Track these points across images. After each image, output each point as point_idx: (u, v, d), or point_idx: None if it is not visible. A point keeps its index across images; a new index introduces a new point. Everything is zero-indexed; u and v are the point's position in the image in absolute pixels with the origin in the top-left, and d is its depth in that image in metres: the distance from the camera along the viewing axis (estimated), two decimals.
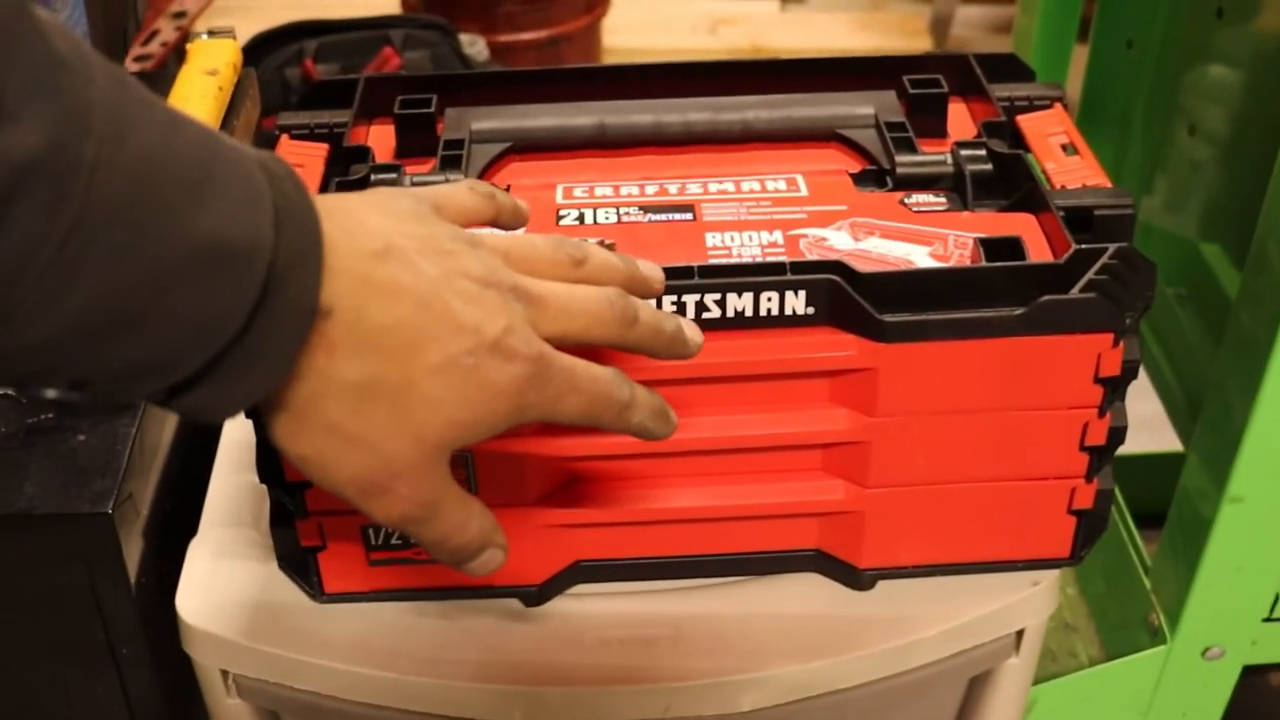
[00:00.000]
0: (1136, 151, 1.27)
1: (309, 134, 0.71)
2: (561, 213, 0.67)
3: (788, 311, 0.60)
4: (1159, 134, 1.23)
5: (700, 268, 0.60)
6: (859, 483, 0.65)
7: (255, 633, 0.66)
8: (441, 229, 0.50)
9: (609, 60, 2.11)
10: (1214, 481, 0.94)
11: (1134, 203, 0.64)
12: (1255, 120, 1.09)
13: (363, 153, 0.70)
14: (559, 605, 0.68)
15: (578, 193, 0.69)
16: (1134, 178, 1.27)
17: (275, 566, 0.68)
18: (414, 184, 0.68)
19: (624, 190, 0.70)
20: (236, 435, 0.76)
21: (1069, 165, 0.68)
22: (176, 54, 1.08)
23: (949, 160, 0.70)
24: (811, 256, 0.64)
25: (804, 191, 0.69)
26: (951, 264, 0.63)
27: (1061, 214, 0.63)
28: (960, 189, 0.69)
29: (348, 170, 0.69)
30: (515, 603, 0.67)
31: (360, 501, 0.49)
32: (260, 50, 1.60)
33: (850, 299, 0.59)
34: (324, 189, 0.68)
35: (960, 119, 0.75)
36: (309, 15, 1.65)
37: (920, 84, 0.73)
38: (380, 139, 0.73)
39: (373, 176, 0.68)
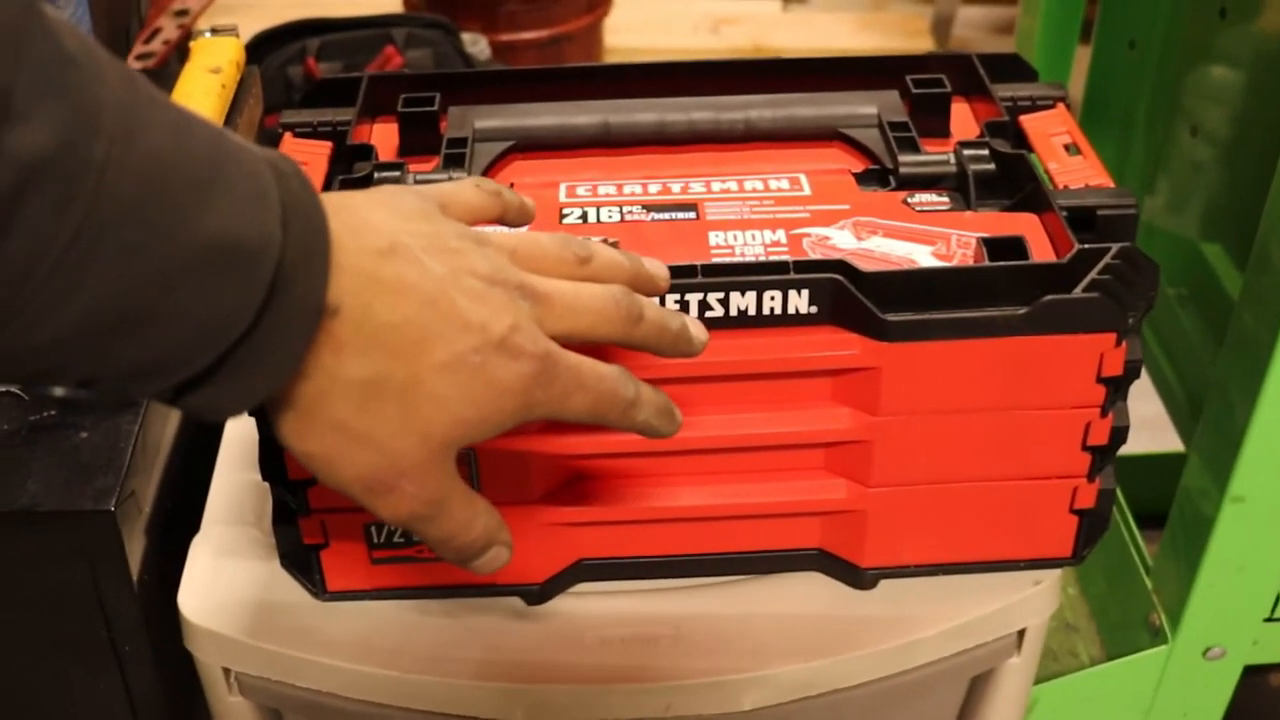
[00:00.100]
0: (1138, 152, 1.27)
1: (312, 132, 0.71)
2: (565, 211, 0.67)
3: (790, 310, 0.60)
4: (1161, 134, 1.23)
5: (703, 266, 0.60)
6: (861, 482, 0.65)
7: (257, 630, 0.66)
8: (447, 227, 0.50)
9: (611, 60, 2.11)
10: (1215, 481, 0.94)
11: (1137, 203, 0.64)
12: (1257, 121, 1.09)
13: (366, 151, 0.70)
14: (561, 604, 0.68)
15: (581, 191, 0.70)
16: (1136, 178, 1.27)
17: (277, 564, 0.68)
18: (417, 182, 0.68)
19: (627, 189, 0.70)
20: (239, 433, 0.76)
21: (1072, 165, 0.68)
22: (178, 52, 1.08)
23: (952, 160, 0.70)
24: (814, 256, 0.64)
25: (807, 191, 0.69)
26: (954, 263, 0.63)
27: (1064, 214, 0.63)
28: (963, 189, 0.69)
29: (351, 168, 0.69)
30: (517, 601, 0.67)
31: (366, 499, 0.49)
32: (262, 48, 1.60)
33: (853, 298, 0.59)
34: (327, 187, 0.68)
35: (963, 119, 0.75)
36: (311, 13, 1.65)
37: (923, 84, 0.73)
38: (383, 137, 0.73)
39: (376, 174, 0.68)
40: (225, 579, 0.68)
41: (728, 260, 0.63)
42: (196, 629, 0.66)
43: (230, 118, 0.88)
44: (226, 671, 0.67)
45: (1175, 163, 1.22)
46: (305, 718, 0.69)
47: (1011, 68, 0.76)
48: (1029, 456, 0.64)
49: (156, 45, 1.07)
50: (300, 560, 0.67)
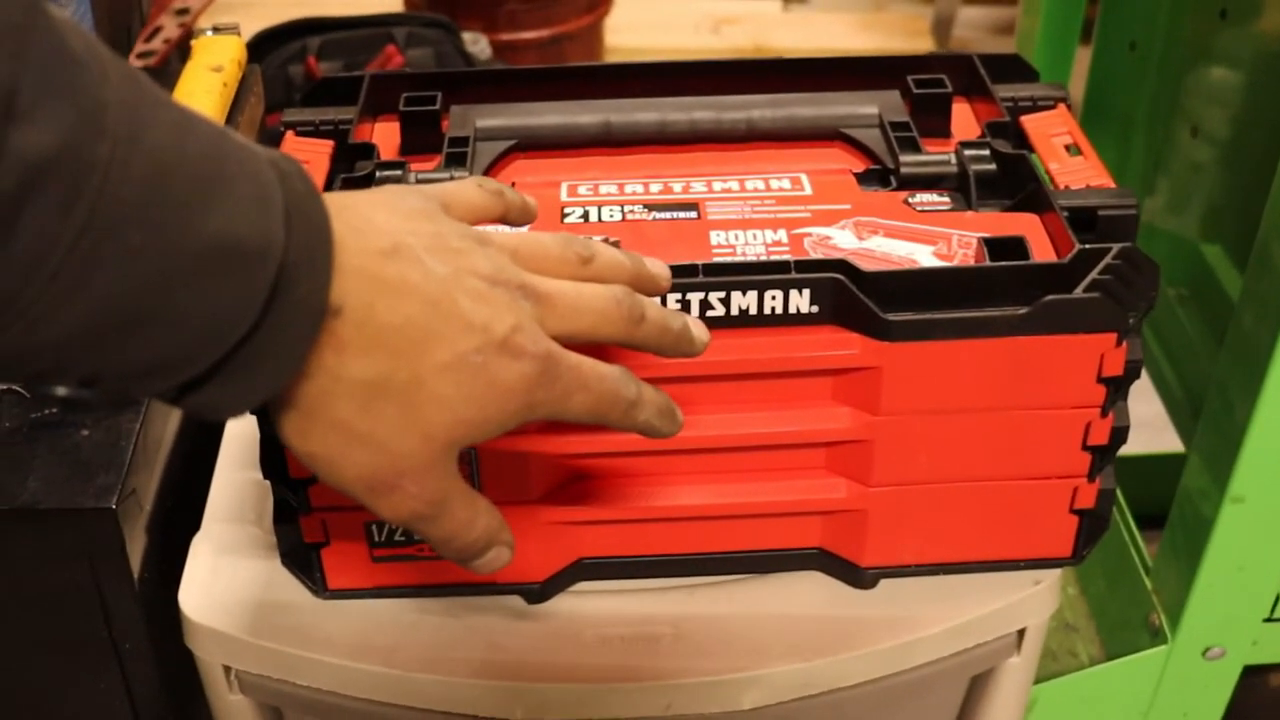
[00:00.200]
0: (1139, 153, 1.27)
1: (314, 130, 0.71)
2: (566, 210, 0.68)
3: (792, 310, 0.60)
4: (1161, 135, 1.24)
5: (705, 266, 0.60)
6: (862, 481, 0.65)
7: (258, 629, 0.66)
8: (450, 227, 0.50)
9: (611, 59, 2.11)
10: (1215, 481, 0.94)
11: (1137, 203, 0.64)
12: (1258, 121, 1.09)
13: (368, 149, 0.70)
14: (561, 603, 0.68)
15: (582, 190, 0.70)
16: (1136, 179, 1.27)
17: (278, 562, 0.68)
18: (419, 181, 0.68)
19: (629, 188, 0.70)
20: (240, 431, 0.76)
21: (1072, 165, 0.69)
22: (179, 51, 1.08)
23: (953, 160, 0.70)
24: (815, 255, 0.64)
25: (808, 190, 0.69)
26: (955, 263, 0.63)
27: (1065, 214, 0.63)
28: (964, 189, 0.69)
29: (353, 167, 0.69)
30: (517, 600, 0.67)
31: (368, 499, 0.49)
32: (263, 47, 1.60)
33: (854, 298, 0.59)
34: (329, 185, 0.68)
35: (964, 119, 0.75)
36: (312, 13, 1.65)
37: (924, 84, 0.74)
38: (385, 136, 0.73)
39: (378, 173, 0.68)
40: (226, 577, 0.68)
41: (729, 260, 0.63)
42: (197, 627, 0.66)
43: (232, 116, 0.88)
44: (227, 669, 0.67)
45: (1176, 163, 1.22)
46: (306, 716, 0.69)
47: (1012, 68, 0.77)
48: (1029, 456, 0.64)
49: (157, 44, 1.07)
50: (301, 558, 0.67)
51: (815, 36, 2.34)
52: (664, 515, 0.66)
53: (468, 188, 0.54)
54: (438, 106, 0.72)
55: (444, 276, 0.47)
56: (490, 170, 0.71)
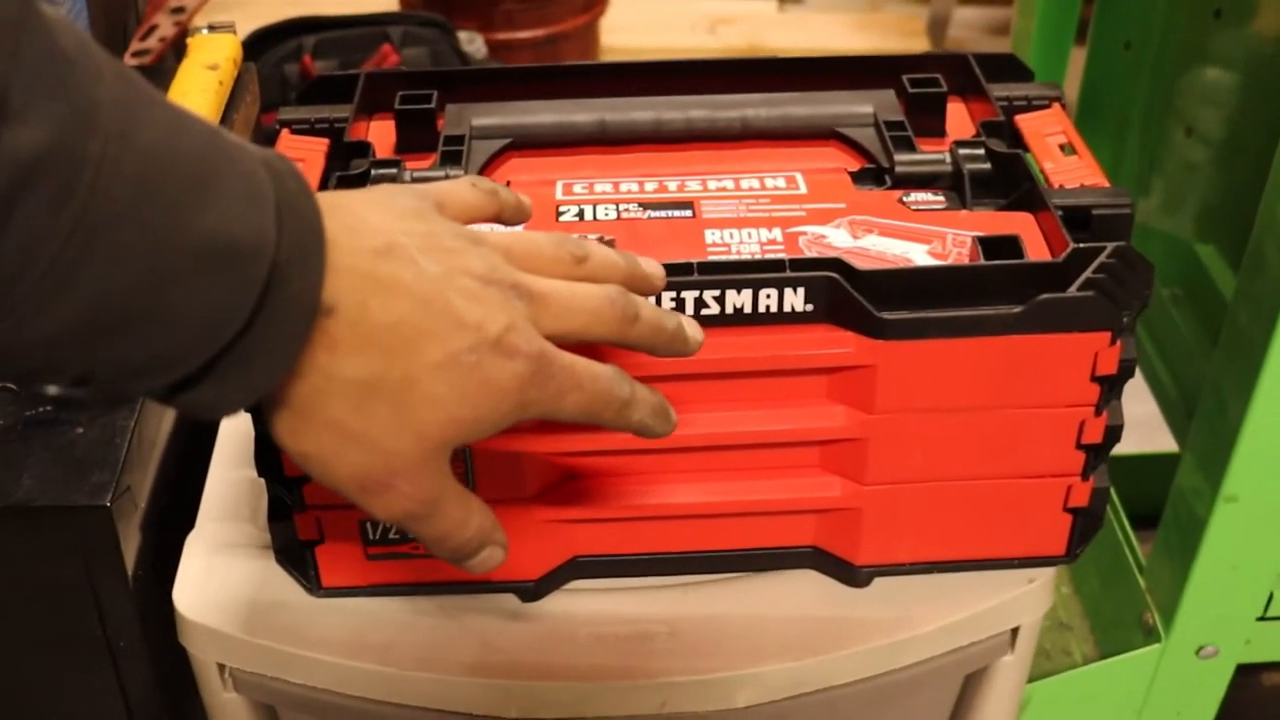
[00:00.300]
0: (1134, 153, 1.28)
1: (310, 129, 0.71)
2: (561, 209, 0.68)
3: (786, 308, 0.60)
4: (1156, 135, 1.24)
5: (700, 264, 0.60)
6: (856, 479, 0.65)
7: (252, 627, 0.66)
8: (443, 226, 0.50)
9: (607, 59, 2.11)
10: (1209, 480, 0.94)
11: (1132, 202, 0.64)
12: (1252, 122, 1.09)
13: (363, 148, 0.70)
14: (555, 601, 0.68)
15: (578, 189, 0.70)
16: (1131, 179, 1.28)
17: (272, 560, 0.68)
18: (414, 179, 0.68)
19: (624, 187, 0.70)
20: (235, 429, 0.76)
21: (1067, 165, 0.69)
22: (175, 49, 1.08)
23: (948, 159, 0.70)
24: (810, 254, 0.64)
25: (803, 189, 0.69)
26: (950, 262, 0.63)
27: (1059, 213, 0.63)
28: (959, 188, 0.69)
29: (348, 165, 0.69)
30: (512, 598, 0.67)
31: (361, 498, 0.49)
32: (259, 46, 1.60)
33: (849, 296, 0.59)
34: (324, 184, 0.68)
35: (959, 118, 0.75)
36: (307, 11, 1.65)
37: (919, 83, 0.74)
38: (380, 134, 0.73)
39: (373, 171, 0.68)
40: (220, 575, 0.68)
41: (724, 258, 0.63)
42: (191, 625, 0.66)
43: (227, 115, 0.88)
44: (221, 667, 0.68)
45: (1170, 163, 1.22)
46: (300, 714, 0.69)
47: (1007, 68, 0.77)
48: (1023, 455, 0.64)
49: (152, 42, 1.07)
50: (295, 556, 0.67)
51: (811, 37, 2.34)
52: (658, 513, 0.66)
53: (461, 187, 0.54)
54: (433, 105, 0.72)
55: (437, 276, 0.47)
56: (485, 169, 0.71)
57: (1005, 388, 0.62)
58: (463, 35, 1.72)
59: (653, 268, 0.56)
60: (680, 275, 0.59)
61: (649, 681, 0.65)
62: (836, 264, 0.60)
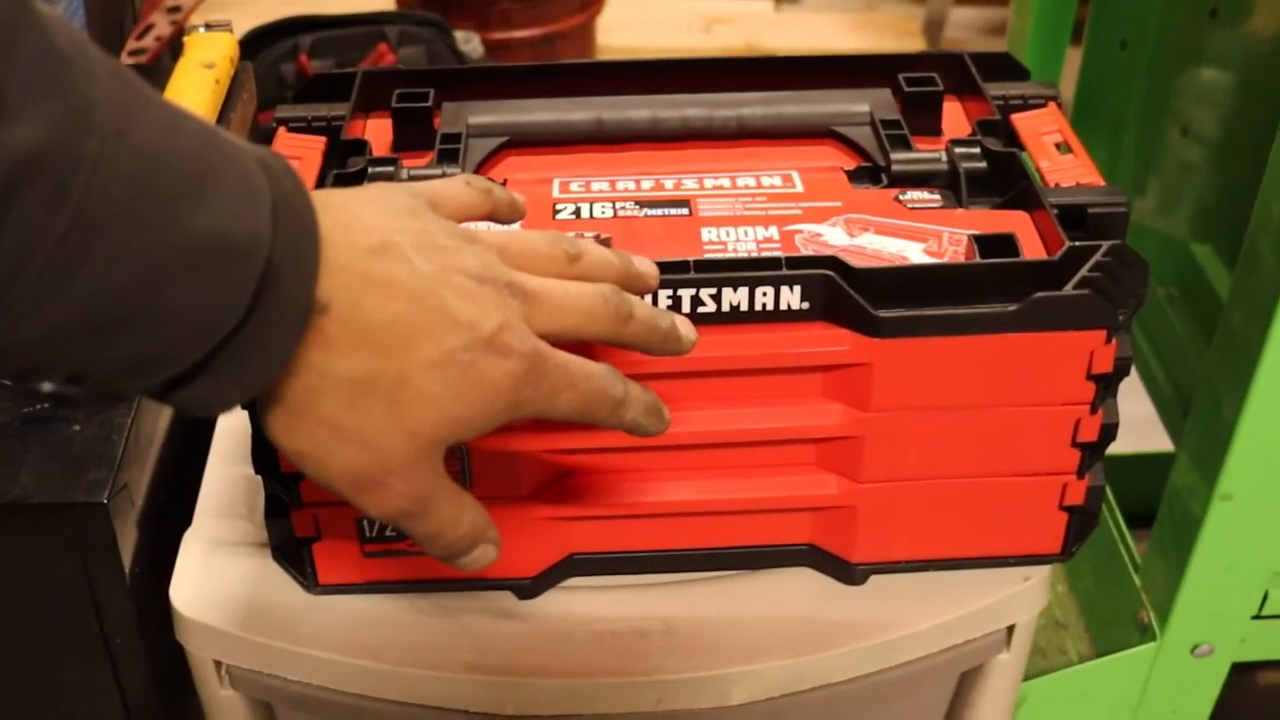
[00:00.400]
0: (1129, 152, 1.28)
1: (306, 127, 0.71)
2: (558, 207, 0.68)
3: (783, 306, 0.60)
4: (1152, 135, 1.24)
5: (696, 262, 0.60)
6: (852, 477, 0.65)
7: (249, 624, 0.66)
8: (437, 225, 0.50)
9: (603, 59, 2.11)
10: (1204, 479, 0.94)
11: (1127, 201, 0.65)
12: (1248, 121, 1.09)
13: (360, 146, 0.70)
14: (551, 598, 0.68)
15: (574, 187, 0.70)
16: (1127, 178, 1.28)
17: (269, 558, 0.68)
18: (411, 177, 0.68)
19: (620, 185, 0.70)
20: (231, 426, 0.76)
21: (1063, 163, 0.69)
22: (171, 48, 1.08)
23: (944, 158, 0.70)
24: (806, 252, 0.64)
25: (799, 188, 0.69)
26: (946, 260, 0.63)
27: (1055, 211, 0.64)
28: (955, 186, 0.69)
29: (345, 163, 0.69)
30: (508, 595, 0.68)
31: (354, 496, 0.49)
32: (255, 45, 1.60)
33: (845, 294, 0.60)
34: (321, 181, 0.68)
35: (955, 117, 0.75)
36: (304, 10, 1.65)
37: (915, 82, 0.74)
38: (377, 132, 0.73)
39: (370, 169, 0.68)
40: (217, 572, 0.68)
41: (720, 256, 0.63)
42: (188, 622, 0.66)
43: (224, 113, 0.88)
44: (218, 664, 0.68)
45: (1166, 163, 1.22)
46: (296, 711, 0.69)
47: (1003, 67, 0.77)
48: (1019, 453, 0.65)
49: (149, 41, 1.07)
50: (292, 553, 0.67)
51: (807, 37, 2.34)
52: (655, 511, 0.66)
53: (455, 185, 0.54)
54: (430, 103, 0.72)
55: (431, 274, 0.47)
56: (482, 167, 0.71)
57: (1001, 386, 0.62)
58: (459, 35, 1.72)
59: (646, 266, 0.56)
60: (677, 273, 0.59)
61: (644, 679, 0.65)
62: (832, 262, 0.60)
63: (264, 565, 0.68)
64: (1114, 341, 0.61)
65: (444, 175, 0.66)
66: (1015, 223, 0.65)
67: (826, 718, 0.70)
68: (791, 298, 0.60)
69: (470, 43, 1.73)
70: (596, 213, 0.67)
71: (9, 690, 0.73)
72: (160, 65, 0.99)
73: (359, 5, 1.75)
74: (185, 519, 0.71)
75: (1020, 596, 0.69)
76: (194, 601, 0.67)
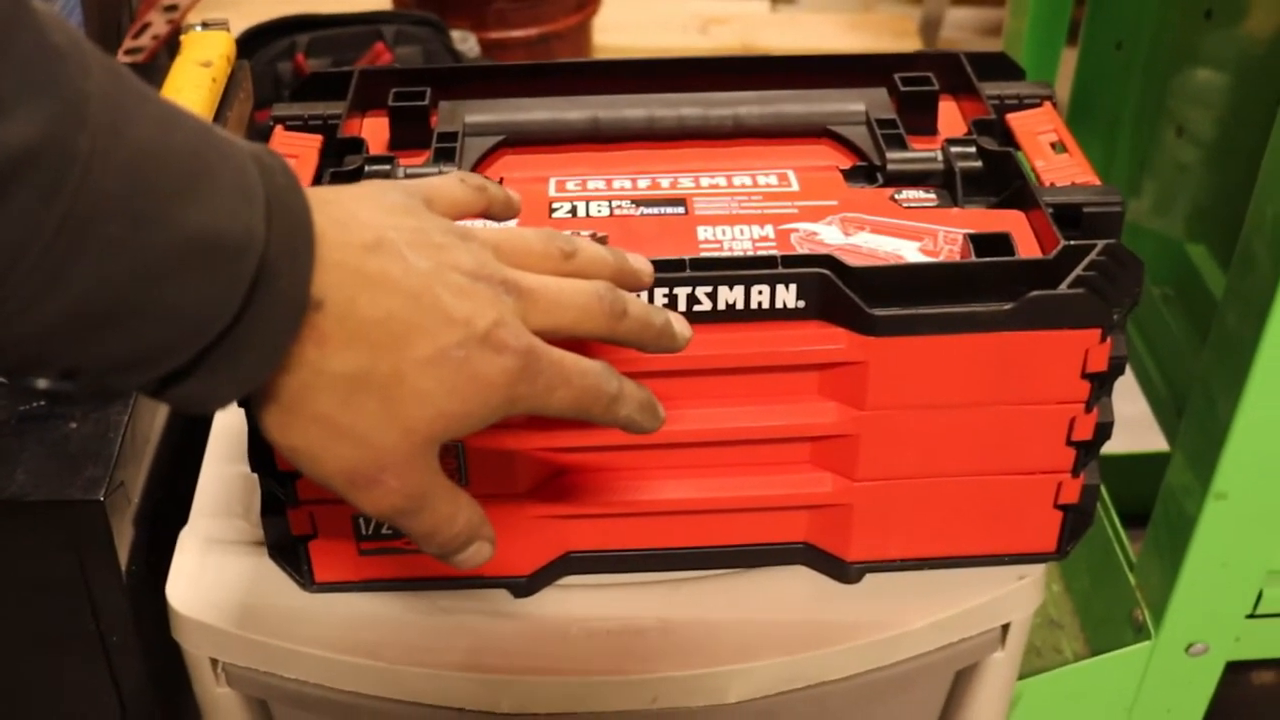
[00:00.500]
0: (1124, 153, 1.28)
1: (303, 125, 0.71)
2: (554, 205, 0.68)
3: (778, 305, 0.60)
4: (1147, 135, 1.24)
5: (692, 260, 0.60)
6: (847, 476, 0.65)
7: (245, 621, 0.66)
8: (432, 222, 0.50)
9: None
10: (1199, 478, 0.94)
11: (1123, 200, 0.65)
12: (1242, 122, 1.09)
13: (357, 144, 0.70)
14: (547, 596, 0.68)
15: (570, 186, 0.70)
16: (1122, 179, 1.28)
17: (265, 555, 0.68)
18: (408, 175, 0.68)
19: (616, 184, 0.70)
20: (228, 424, 0.76)
21: (1058, 163, 0.69)
22: (168, 47, 1.08)
23: (939, 157, 0.70)
24: (802, 251, 0.64)
25: (795, 187, 0.70)
26: (941, 259, 0.64)
27: (1050, 211, 0.64)
28: (950, 186, 0.69)
29: (342, 161, 0.69)
30: (504, 593, 0.68)
31: (349, 493, 0.49)
32: (252, 44, 1.60)
33: (840, 293, 0.60)
34: (318, 180, 0.68)
35: (951, 117, 0.75)
36: (301, 9, 1.65)
37: (911, 82, 0.74)
38: (374, 131, 0.74)
39: (367, 167, 0.68)
40: (213, 570, 0.68)
41: (716, 255, 0.63)
42: (184, 620, 0.66)
43: (220, 112, 0.88)
44: (214, 662, 0.68)
45: (1161, 163, 1.22)
46: (292, 709, 0.69)
47: (999, 66, 0.77)
48: (1014, 451, 0.65)
49: (146, 40, 1.07)
50: (288, 551, 0.67)
51: (803, 37, 2.35)
52: (650, 509, 0.66)
53: (450, 183, 0.54)
54: (426, 102, 0.72)
55: (426, 271, 0.47)
56: (479, 165, 0.71)
57: (996, 384, 0.62)
58: (456, 34, 1.72)
59: (641, 264, 0.56)
60: (673, 271, 0.59)
61: (640, 676, 0.65)
62: (828, 261, 0.60)
63: (260, 563, 0.68)
64: (1109, 340, 0.61)
65: (440, 173, 0.66)
66: (1010, 222, 0.65)
67: (822, 716, 0.70)
68: (787, 296, 0.60)
69: (467, 42, 1.73)
70: (592, 211, 0.67)
71: (5, 688, 0.73)
72: (157, 64, 0.99)
73: (355, 4, 1.75)
74: (181, 517, 0.71)
75: (1015, 595, 0.69)
76: (190, 599, 0.67)
